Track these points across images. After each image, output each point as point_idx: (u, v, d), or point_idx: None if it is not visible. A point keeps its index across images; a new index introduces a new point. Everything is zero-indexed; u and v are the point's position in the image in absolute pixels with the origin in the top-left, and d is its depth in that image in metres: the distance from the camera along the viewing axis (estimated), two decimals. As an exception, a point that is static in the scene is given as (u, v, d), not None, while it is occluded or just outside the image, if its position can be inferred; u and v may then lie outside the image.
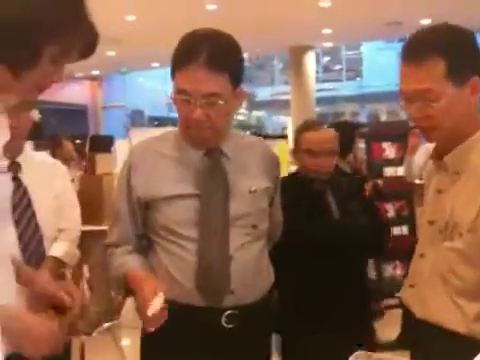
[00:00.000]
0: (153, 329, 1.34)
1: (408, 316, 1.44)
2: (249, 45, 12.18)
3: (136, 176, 1.50)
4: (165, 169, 1.49)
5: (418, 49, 1.29)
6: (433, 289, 1.35)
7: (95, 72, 16.20)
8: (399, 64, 1.34)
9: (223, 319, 1.45)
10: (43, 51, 0.96)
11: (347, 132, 3.26)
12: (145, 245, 1.57)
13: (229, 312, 1.46)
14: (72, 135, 8.52)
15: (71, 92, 16.32)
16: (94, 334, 2.84)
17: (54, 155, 6.20)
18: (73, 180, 4.77)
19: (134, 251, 1.55)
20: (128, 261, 1.51)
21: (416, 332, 1.42)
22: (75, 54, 1.02)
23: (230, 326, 1.46)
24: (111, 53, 12.36)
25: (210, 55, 1.36)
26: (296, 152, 2.18)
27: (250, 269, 1.49)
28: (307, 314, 1.99)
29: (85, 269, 3.88)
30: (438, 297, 1.33)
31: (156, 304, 1.29)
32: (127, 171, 1.53)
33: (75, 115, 17.12)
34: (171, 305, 1.37)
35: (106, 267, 1.60)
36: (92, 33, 1.02)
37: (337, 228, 2.08)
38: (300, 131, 2.16)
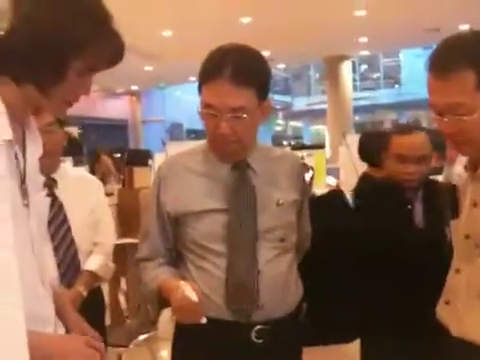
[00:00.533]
0: (205, 319, 1.35)
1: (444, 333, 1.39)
2: (284, 56, 12.25)
3: (165, 192, 1.52)
4: (193, 184, 1.50)
5: (445, 61, 1.24)
6: (469, 306, 1.30)
7: (134, 87, 16.57)
8: (427, 76, 1.28)
9: (253, 334, 1.45)
10: (69, 67, 0.98)
11: (379, 139, 3.20)
12: (175, 258, 1.59)
13: (259, 327, 1.45)
14: (111, 149, 8.71)
15: (112, 107, 16.75)
16: (131, 346, 2.86)
17: (93, 169, 6.36)
18: (112, 194, 4.88)
19: (165, 264, 1.57)
20: (160, 274, 1.52)
21: (452, 350, 1.37)
22: (102, 64, 1.04)
23: (260, 341, 1.45)
24: (149, 68, 12.63)
25: (235, 69, 1.36)
26: (384, 156, 2.05)
27: (279, 283, 1.48)
28: (390, 318, 1.89)
29: (122, 282, 3.94)
30: (475, 314, 1.29)
31: (189, 292, 1.31)
32: (157, 187, 1.55)
33: (116, 130, 17.50)
34: None
35: (139, 281, 1.62)
36: (118, 42, 1.04)
37: (414, 238, 1.95)
38: (390, 134, 2.04)
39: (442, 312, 1.42)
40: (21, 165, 1.03)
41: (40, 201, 1.12)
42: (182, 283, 1.35)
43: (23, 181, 1.03)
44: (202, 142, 1.58)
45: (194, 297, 1.31)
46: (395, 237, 1.92)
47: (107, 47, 1.01)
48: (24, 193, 1.03)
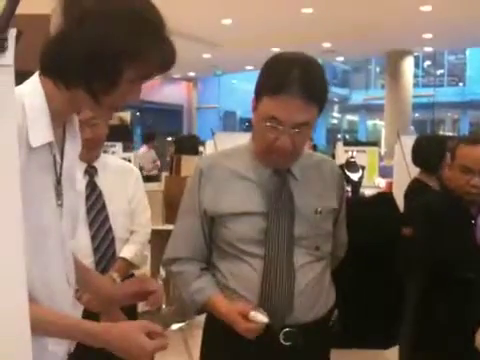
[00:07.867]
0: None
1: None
2: (346, 48, 12.00)
3: (204, 189, 1.52)
4: (233, 186, 1.50)
5: None
6: None
7: (191, 74, 16.74)
8: None
9: (281, 336, 1.46)
10: (122, 76, 0.98)
11: (436, 145, 3.08)
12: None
13: (287, 330, 1.46)
14: (167, 133, 8.80)
15: (169, 92, 17.00)
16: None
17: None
18: (160, 179, 4.95)
19: (204, 272, 1.54)
20: (205, 287, 1.50)
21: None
22: (154, 72, 1.03)
23: (288, 344, 1.46)
24: (207, 55, 12.71)
25: (304, 85, 1.36)
26: (450, 167, 1.98)
27: (312, 289, 1.49)
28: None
29: (162, 269, 4.00)
30: None
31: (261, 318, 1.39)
32: (197, 183, 1.53)
33: (172, 114, 17.79)
34: None
35: (175, 285, 1.61)
36: (169, 50, 1.03)
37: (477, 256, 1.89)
38: (458, 143, 1.96)
39: None
40: (58, 166, 1.05)
41: (74, 197, 1.13)
42: (252, 314, 1.38)
43: (59, 182, 1.05)
44: (244, 143, 1.57)
45: (266, 319, 1.38)
46: (458, 253, 1.86)
47: (159, 55, 1.00)
48: (59, 194, 1.05)
